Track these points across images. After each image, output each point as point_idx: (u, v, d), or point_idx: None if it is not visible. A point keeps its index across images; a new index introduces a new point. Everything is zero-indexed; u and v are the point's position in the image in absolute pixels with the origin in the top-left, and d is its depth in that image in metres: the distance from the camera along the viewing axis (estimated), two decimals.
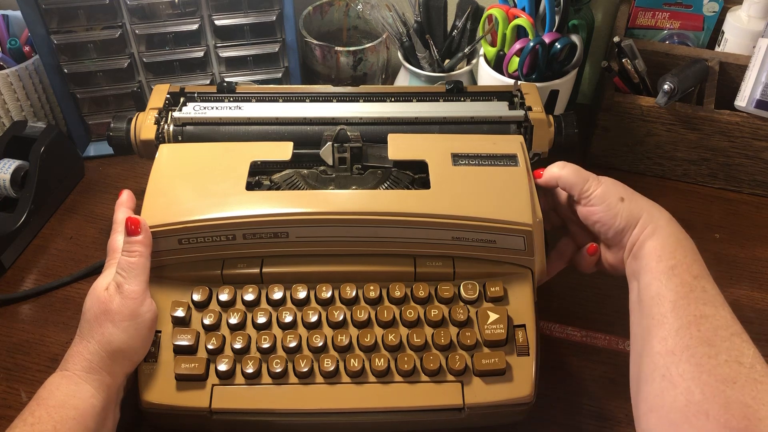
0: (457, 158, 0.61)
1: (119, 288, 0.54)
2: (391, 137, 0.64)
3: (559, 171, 0.60)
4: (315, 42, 0.86)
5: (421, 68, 0.81)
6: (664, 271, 0.53)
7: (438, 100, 0.70)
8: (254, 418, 0.54)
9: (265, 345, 0.55)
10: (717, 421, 0.44)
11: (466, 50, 0.81)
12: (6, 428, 0.48)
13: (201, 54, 0.85)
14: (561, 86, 0.77)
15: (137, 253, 0.55)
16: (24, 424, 0.48)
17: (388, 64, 0.94)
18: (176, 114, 0.66)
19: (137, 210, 0.59)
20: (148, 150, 0.66)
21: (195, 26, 0.83)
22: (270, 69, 0.88)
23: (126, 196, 0.63)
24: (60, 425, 0.49)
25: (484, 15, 0.79)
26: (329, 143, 0.64)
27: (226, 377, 0.54)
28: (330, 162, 0.64)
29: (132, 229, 0.56)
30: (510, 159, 0.61)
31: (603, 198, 0.58)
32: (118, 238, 0.58)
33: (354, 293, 0.57)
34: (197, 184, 0.59)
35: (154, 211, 0.57)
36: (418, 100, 0.70)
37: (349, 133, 0.65)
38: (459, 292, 0.57)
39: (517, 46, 0.76)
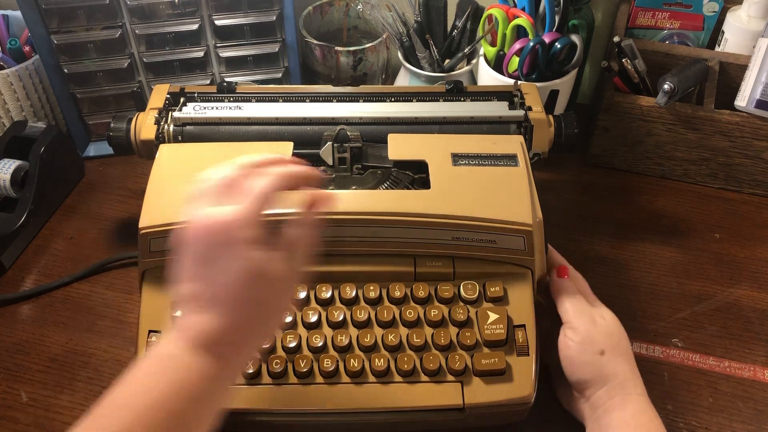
0: (457, 158, 0.61)
1: None
2: (391, 137, 0.64)
3: (566, 301, 0.56)
4: (315, 42, 0.86)
5: (421, 68, 0.81)
6: None
7: (438, 100, 0.70)
8: (254, 418, 0.54)
9: (265, 345, 0.55)
10: None
11: (466, 50, 0.81)
12: (5, 428, 0.48)
13: (201, 54, 0.85)
14: (561, 86, 0.77)
15: None
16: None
17: (388, 64, 0.93)
18: (176, 114, 0.66)
19: (137, 210, 0.59)
20: (148, 150, 0.66)
21: (195, 26, 0.83)
22: (270, 69, 0.88)
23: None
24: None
25: (484, 15, 0.79)
26: (329, 143, 0.64)
27: None
28: (330, 162, 0.64)
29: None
30: (510, 159, 0.61)
31: (583, 340, 0.53)
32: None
33: (354, 293, 0.57)
34: None
35: (154, 211, 0.57)
36: (418, 100, 0.70)
37: (349, 133, 0.65)
38: (459, 292, 0.57)
39: (517, 46, 0.76)
